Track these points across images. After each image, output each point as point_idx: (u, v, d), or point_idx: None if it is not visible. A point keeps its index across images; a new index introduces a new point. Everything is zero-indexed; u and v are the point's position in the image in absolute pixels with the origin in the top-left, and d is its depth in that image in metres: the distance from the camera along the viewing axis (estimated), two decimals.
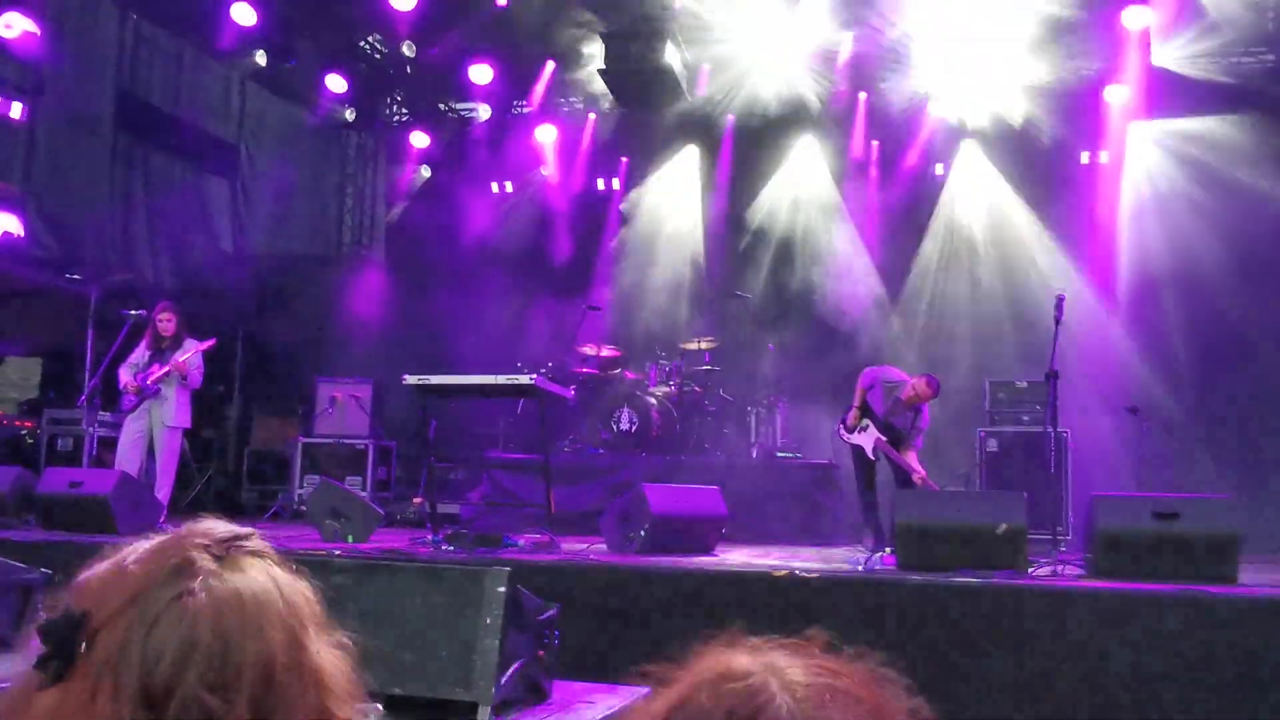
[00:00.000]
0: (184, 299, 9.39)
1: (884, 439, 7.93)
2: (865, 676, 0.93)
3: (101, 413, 9.67)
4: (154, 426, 8.23)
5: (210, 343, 8.40)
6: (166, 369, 8.15)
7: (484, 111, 13.79)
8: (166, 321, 8.33)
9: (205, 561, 1.02)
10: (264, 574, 1.04)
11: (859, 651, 0.96)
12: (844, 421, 8.23)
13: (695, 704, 0.90)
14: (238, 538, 1.07)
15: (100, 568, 1.04)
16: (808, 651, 0.94)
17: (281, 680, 0.99)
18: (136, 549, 1.05)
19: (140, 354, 8.36)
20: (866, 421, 8.05)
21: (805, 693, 0.88)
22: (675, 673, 0.95)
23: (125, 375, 8.30)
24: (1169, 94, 10.89)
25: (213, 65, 12.61)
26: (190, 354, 8.22)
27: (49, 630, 0.98)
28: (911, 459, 7.85)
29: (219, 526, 1.08)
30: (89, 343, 9.74)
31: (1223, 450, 9.59)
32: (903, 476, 7.87)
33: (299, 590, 1.07)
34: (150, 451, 8.35)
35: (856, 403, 8.15)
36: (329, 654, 1.05)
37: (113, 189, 11.70)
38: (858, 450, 8.14)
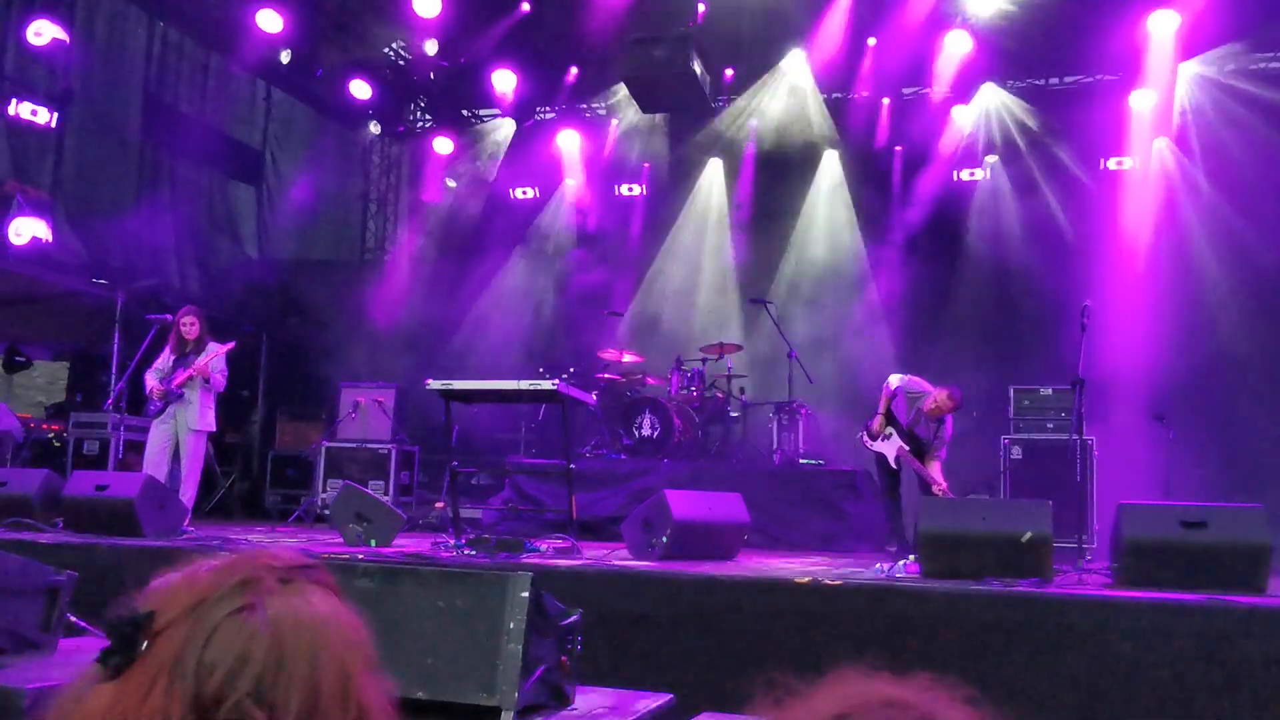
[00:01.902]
0: (209, 304, 9.45)
1: (906, 448, 7.88)
2: None
3: (128, 416, 9.74)
4: (179, 430, 8.26)
5: (230, 345, 8.42)
6: (189, 372, 8.18)
7: (507, 118, 13.85)
8: (189, 325, 8.35)
9: (270, 582, 1.05)
10: (325, 604, 1.07)
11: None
12: (868, 428, 8.18)
13: None
14: (305, 566, 1.10)
15: (173, 575, 1.07)
16: (958, 695, 0.94)
17: (326, 708, 1.01)
18: (209, 562, 1.08)
19: (165, 358, 8.40)
20: (890, 430, 8.00)
21: None
22: (807, 695, 0.94)
23: (151, 380, 8.34)
24: (1195, 99, 10.82)
25: (239, 73, 12.72)
26: (212, 357, 8.25)
27: (114, 626, 1.01)
28: (935, 470, 7.79)
29: (288, 552, 1.11)
30: (115, 347, 9.82)
31: (1252, 459, 9.48)
32: (926, 485, 7.82)
33: (356, 625, 1.09)
34: (176, 455, 8.39)
35: (881, 410, 8.11)
36: (376, 694, 1.07)
37: (140, 194, 11.82)
38: (881, 457, 8.10)
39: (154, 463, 8.21)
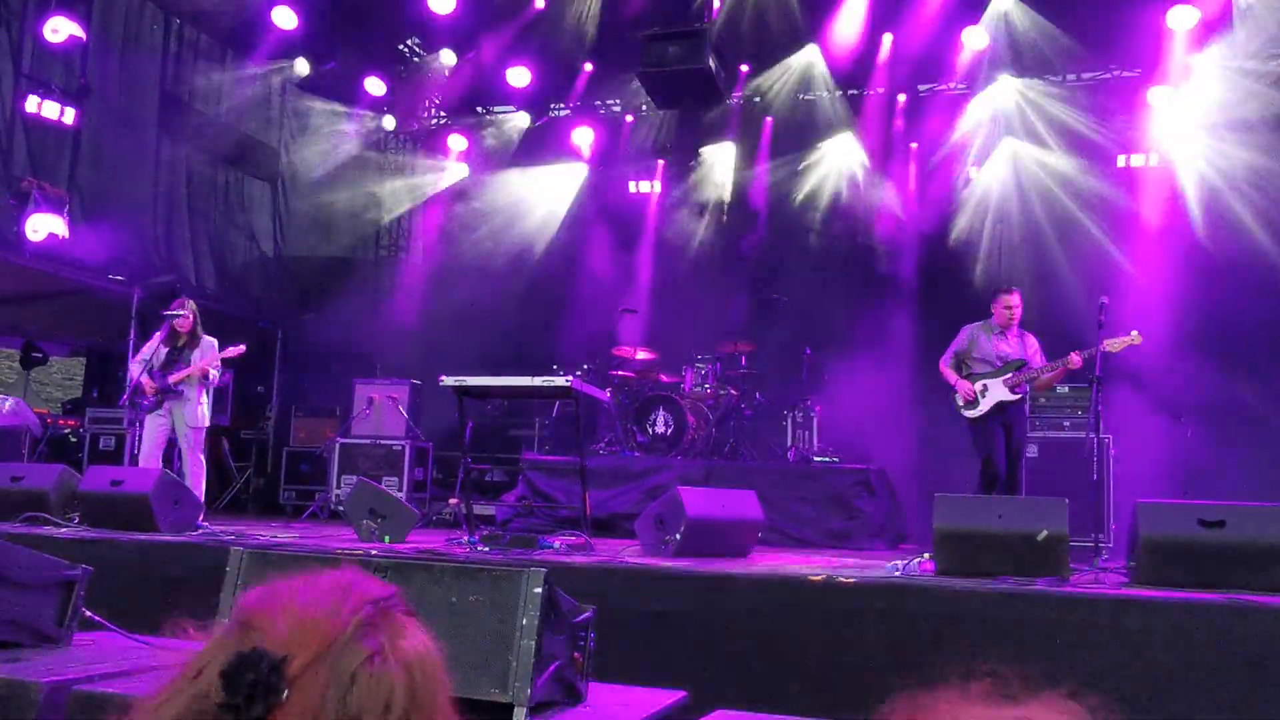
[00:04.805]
0: (224, 300, 9.47)
1: (1011, 377, 7.61)
2: None
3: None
4: (178, 428, 8.20)
5: (240, 349, 8.36)
6: (188, 371, 8.13)
7: (521, 115, 13.85)
8: (185, 318, 8.21)
9: (382, 621, 1.05)
10: (423, 635, 1.09)
11: None
12: (964, 402, 7.76)
13: None
14: (391, 595, 1.10)
15: (272, 600, 1.04)
16: None
17: None
18: (307, 584, 1.06)
19: (154, 349, 8.25)
20: (983, 383, 7.69)
21: None
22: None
23: (135, 369, 8.19)
24: (1214, 93, 10.74)
25: (254, 69, 12.76)
26: (213, 358, 8.21)
27: (250, 671, 0.96)
28: (1043, 366, 7.57)
29: (374, 582, 1.10)
30: (131, 343, 9.86)
31: (1272, 459, 9.39)
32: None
33: (437, 649, 1.11)
34: (176, 451, 8.36)
35: (953, 380, 7.81)
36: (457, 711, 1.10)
37: (156, 191, 11.87)
38: (984, 434, 7.67)
39: (150, 457, 8.16)
